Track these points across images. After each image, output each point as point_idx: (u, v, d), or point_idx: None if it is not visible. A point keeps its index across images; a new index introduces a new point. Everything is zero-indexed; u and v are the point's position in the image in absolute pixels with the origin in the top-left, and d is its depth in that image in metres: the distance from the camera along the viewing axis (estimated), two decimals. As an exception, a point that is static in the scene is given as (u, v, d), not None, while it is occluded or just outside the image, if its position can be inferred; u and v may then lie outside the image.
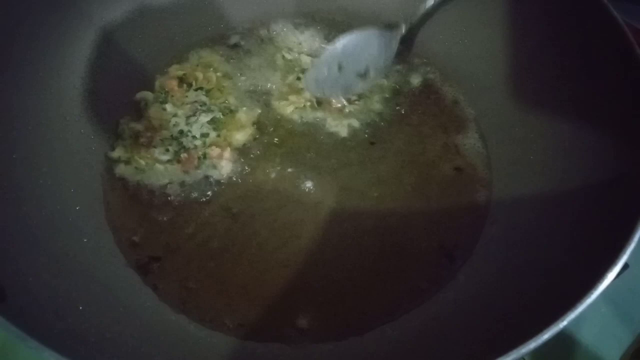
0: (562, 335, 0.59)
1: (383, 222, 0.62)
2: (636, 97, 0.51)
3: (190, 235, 0.60)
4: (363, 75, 0.68)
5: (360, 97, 0.69)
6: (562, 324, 0.39)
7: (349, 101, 0.69)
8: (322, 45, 0.73)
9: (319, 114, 0.68)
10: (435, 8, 0.67)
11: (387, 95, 0.71)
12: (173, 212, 0.61)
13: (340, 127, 0.67)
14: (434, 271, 0.59)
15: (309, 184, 0.64)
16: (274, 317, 0.56)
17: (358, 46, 0.66)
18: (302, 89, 0.69)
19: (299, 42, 0.74)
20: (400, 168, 0.65)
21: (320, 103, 0.69)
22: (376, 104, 0.69)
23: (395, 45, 0.67)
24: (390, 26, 0.67)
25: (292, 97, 0.69)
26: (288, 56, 0.72)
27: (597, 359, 0.60)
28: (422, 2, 0.66)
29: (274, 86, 0.70)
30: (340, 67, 0.66)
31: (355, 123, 0.68)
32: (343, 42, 0.65)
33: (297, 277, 0.58)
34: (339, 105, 0.68)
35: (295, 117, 0.68)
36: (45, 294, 0.47)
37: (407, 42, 0.70)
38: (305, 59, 0.71)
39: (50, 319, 0.45)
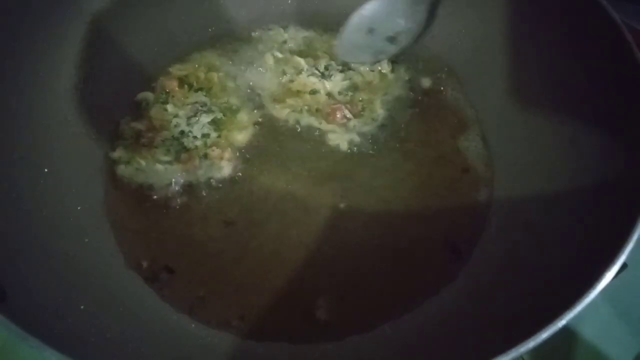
0: (560, 335, 0.59)
1: (384, 223, 0.62)
2: (636, 97, 0.51)
3: (192, 237, 0.60)
4: (393, 39, 0.68)
5: (363, 108, 0.69)
6: (561, 323, 0.39)
7: (355, 115, 0.68)
8: (320, 46, 0.74)
9: (321, 125, 0.67)
10: None
11: (390, 100, 0.70)
12: (174, 213, 0.61)
13: (342, 142, 0.66)
14: (433, 272, 0.59)
15: (310, 184, 0.64)
16: (276, 317, 0.56)
17: (386, 9, 0.67)
18: (299, 91, 0.69)
19: (297, 42, 0.74)
20: (402, 168, 0.65)
21: (318, 109, 0.68)
22: (380, 110, 0.69)
23: (423, 10, 0.68)
24: None
25: (290, 100, 0.69)
26: (285, 57, 0.72)
27: (596, 358, 0.60)
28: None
29: (272, 87, 0.70)
30: (370, 30, 0.67)
31: (357, 139, 0.67)
32: (372, 4, 0.66)
33: (297, 278, 0.58)
34: (344, 120, 0.68)
35: (292, 120, 0.68)
36: (45, 294, 0.47)
37: (434, 11, 0.70)
38: (299, 60, 0.71)
39: (51, 318, 0.45)
